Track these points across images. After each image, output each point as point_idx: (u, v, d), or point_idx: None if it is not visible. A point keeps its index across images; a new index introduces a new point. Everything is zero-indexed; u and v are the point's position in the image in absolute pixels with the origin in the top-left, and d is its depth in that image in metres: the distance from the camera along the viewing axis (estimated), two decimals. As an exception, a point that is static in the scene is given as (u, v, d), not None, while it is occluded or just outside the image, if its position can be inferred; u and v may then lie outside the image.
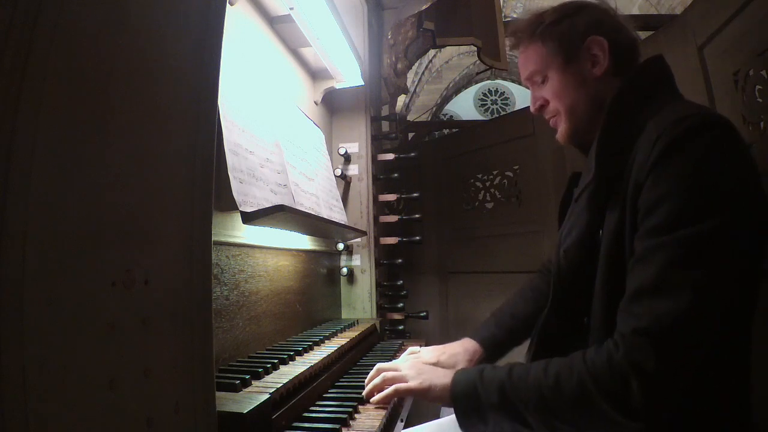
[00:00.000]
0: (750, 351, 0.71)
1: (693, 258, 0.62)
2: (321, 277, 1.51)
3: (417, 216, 1.82)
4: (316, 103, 1.62)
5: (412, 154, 1.93)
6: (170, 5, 0.48)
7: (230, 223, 0.95)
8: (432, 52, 6.70)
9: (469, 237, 2.38)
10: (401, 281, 1.81)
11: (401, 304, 1.78)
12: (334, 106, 1.79)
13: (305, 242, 1.38)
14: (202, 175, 0.52)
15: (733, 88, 1.09)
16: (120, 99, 0.41)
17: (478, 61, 2.49)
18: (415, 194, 1.86)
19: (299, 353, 0.99)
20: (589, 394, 0.64)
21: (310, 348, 1.05)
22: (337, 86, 1.62)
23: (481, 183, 2.37)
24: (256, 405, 0.63)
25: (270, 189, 0.99)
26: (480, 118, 7.96)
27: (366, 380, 0.93)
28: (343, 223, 1.47)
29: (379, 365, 0.94)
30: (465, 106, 8.44)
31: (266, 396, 0.67)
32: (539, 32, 0.87)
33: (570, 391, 0.66)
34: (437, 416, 1.26)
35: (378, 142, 1.89)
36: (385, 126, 2.51)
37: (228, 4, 0.91)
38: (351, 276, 1.70)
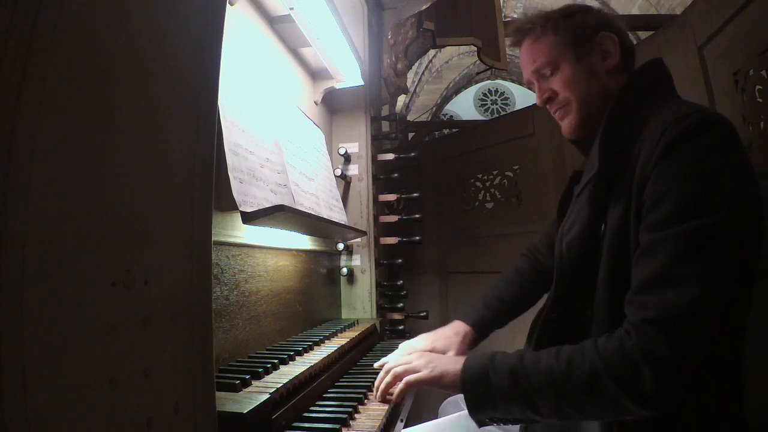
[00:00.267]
0: (743, 349, 0.73)
1: (698, 250, 0.64)
2: (321, 277, 1.51)
3: (417, 216, 1.82)
4: (316, 103, 1.62)
5: (412, 154, 1.93)
6: (170, 5, 0.48)
7: (230, 223, 0.95)
8: (432, 52, 6.70)
9: (469, 237, 2.38)
10: (401, 281, 1.81)
11: (401, 304, 1.78)
12: (334, 106, 1.79)
13: (305, 242, 1.38)
14: (202, 175, 0.52)
15: (733, 88, 1.09)
16: (120, 99, 0.41)
17: (478, 61, 2.49)
18: (415, 194, 1.86)
19: (299, 353, 0.99)
20: (601, 379, 0.66)
21: (310, 348, 1.05)
22: (337, 86, 1.62)
23: (481, 183, 2.37)
24: (256, 405, 0.63)
25: (270, 189, 0.99)
26: (480, 118, 7.96)
27: (376, 382, 0.93)
28: (343, 223, 1.47)
29: (387, 365, 0.94)
30: (465, 106, 8.44)
31: (266, 396, 0.67)
32: (551, 24, 0.89)
33: (582, 377, 0.67)
34: (436, 416, 1.26)
35: (378, 142, 1.89)
36: (385, 126, 2.51)
37: (228, 4, 0.92)
38: (351, 276, 1.70)
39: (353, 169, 1.74)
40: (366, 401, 0.93)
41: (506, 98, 8.46)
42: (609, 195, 0.77)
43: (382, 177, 1.85)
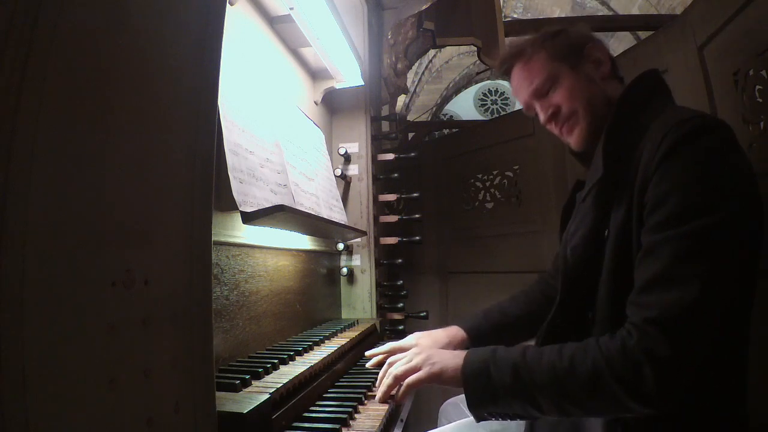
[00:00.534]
0: (747, 349, 0.73)
1: (699, 250, 0.65)
2: (321, 277, 1.51)
3: (417, 216, 1.82)
4: (316, 103, 1.62)
5: (412, 154, 1.93)
6: (170, 5, 0.48)
7: (230, 223, 0.95)
8: (432, 52, 6.70)
9: (469, 237, 2.38)
10: (401, 281, 1.81)
11: (401, 304, 1.78)
12: (334, 106, 1.79)
13: (305, 242, 1.38)
14: (202, 175, 0.52)
15: (733, 88, 1.09)
16: (120, 99, 0.41)
17: (478, 61, 2.49)
18: (415, 194, 1.86)
19: (299, 353, 0.99)
20: (603, 377, 0.66)
21: (310, 348, 1.05)
22: (337, 86, 1.62)
23: (481, 183, 2.36)
24: (256, 405, 0.63)
25: (270, 189, 1.00)
26: (480, 118, 7.96)
27: (378, 383, 0.92)
28: (343, 223, 1.47)
29: (388, 362, 0.93)
30: (465, 106, 8.44)
31: (266, 396, 0.67)
32: (540, 44, 0.92)
33: (584, 374, 0.68)
34: (436, 417, 1.26)
35: (378, 142, 1.89)
36: (385, 126, 2.51)
37: (228, 4, 0.92)
38: (351, 276, 1.70)
39: (353, 169, 1.74)
40: (366, 401, 0.93)
41: (506, 98, 8.46)
42: (612, 199, 0.78)
43: (382, 177, 1.85)
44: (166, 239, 0.46)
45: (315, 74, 1.61)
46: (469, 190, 2.40)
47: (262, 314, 1.06)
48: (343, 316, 1.68)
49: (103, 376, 0.37)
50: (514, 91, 0.98)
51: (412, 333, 1.54)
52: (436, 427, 1.09)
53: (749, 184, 0.70)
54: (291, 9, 1.20)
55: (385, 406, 0.89)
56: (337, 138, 1.78)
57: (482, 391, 0.76)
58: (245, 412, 0.61)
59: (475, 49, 2.35)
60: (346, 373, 1.12)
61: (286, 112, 1.27)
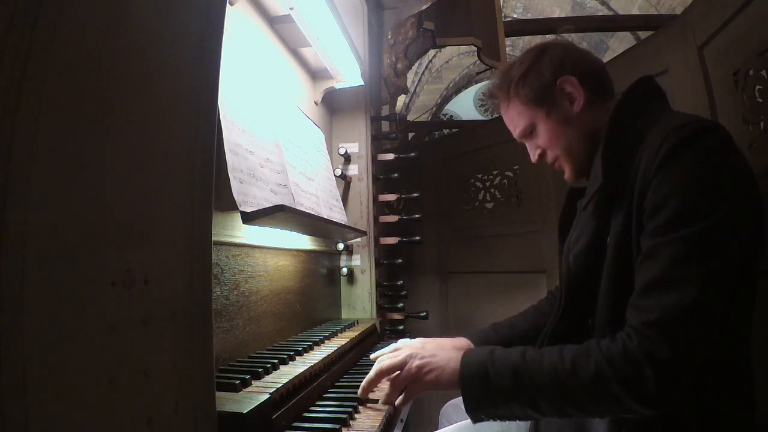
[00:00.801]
0: (749, 349, 0.73)
1: (698, 253, 0.65)
2: (321, 277, 1.51)
3: (417, 216, 1.82)
4: (316, 103, 1.62)
5: (412, 154, 1.93)
6: (170, 5, 0.48)
7: (230, 223, 0.95)
8: (432, 52, 6.70)
9: (469, 237, 2.38)
10: (401, 281, 1.81)
11: (401, 304, 1.78)
12: (334, 106, 1.79)
13: (305, 242, 1.38)
14: (202, 175, 0.52)
15: (733, 88, 1.09)
16: (120, 99, 0.41)
17: (478, 61, 2.49)
18: (415, 194, 1.86)
19: (299, 353, 0.99)
20: (606, 379, 0.66)
21: (310, 348, 1.05)
22: (337, 86, 1.62)
23: (481, 183, 2.36)
24: (256, 405, 0.63)
25: (270, 189, 0.99)
26: (480, 118, 7.96)
27: (365, 381, 0.89)
28: (343, 223, 1.47)
29: (378, 368, 0.88)
30: (465, 106, 8.44)
31: (266, 396, 0.67)
32: (513, 90, 0.92)
33: (587, 376, 0.68)
34: (437, 418, 1.26)
35: (378, 142, 1.89)
36: (385, 126, 2.51)
37: (228, 4, 0.92)
38: (351, 276, 1.70)
39: (353, 169, 1.74)
40: (366, 401, 0.93)
41: (506, 98, 8.45)
42: (612, 207, 0.78)
43: (382, 177, 1.85)
44: (166, 239, 0.46)
45: (315, 74, 1.61)
46: (469, 190, 2.40)
47: (262, 314, 1.06)
48: (343, 316, 1.68)
49: (103, 376, 0.37)
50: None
51: (411, 333, 1.52)
52: (437, 429, 1.09)
53: (749, 185, 0.70)
54: (291, 9, 1.20)
55: (385, 407, 0.89)
56: (337, 138, 1.78)
57: (480, 393, 0.75)
58: (245, 412, 0.61)
59: (475, 49, 2.34)
60: (346, 373, 1.12)
61: (286, 112, 1.27)
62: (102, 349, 0.37)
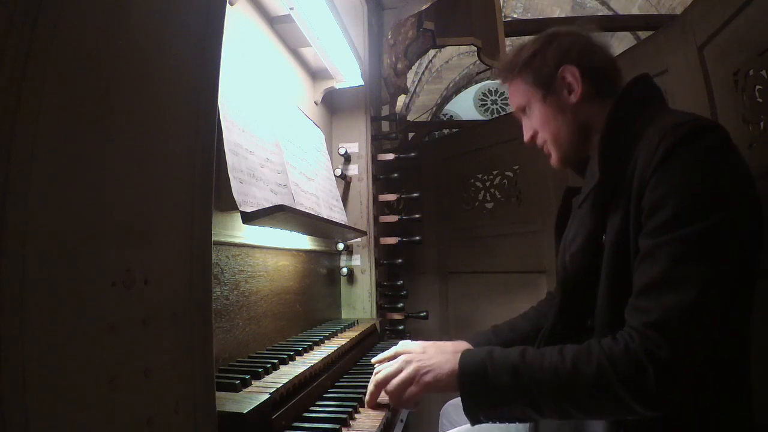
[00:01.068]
0: (748, 349, 0.73)
1: (697, 252, 0.65)
2: (321, 277, 1.51)
3: (417, 216, 1.82)
4: (316, 103, 1.62)
5: (412, 154, 1.93)
6: (170, 5, 0.48)
7: (230, 223, 0.95)
8: (432, 52, 6.70)
9: (469, 237, 2.38)
10: (401, 281, 1.81)
11: (401, 304, 1.78)
12: (334, 106, 1.79)
13: (305, 242, 1.38)
14: (202, 175, 0.52)
15: (733, 88, 1.09)
16: (120, 99, 0.41)
17: (478, 61, 2.49)
18: (415, 194, 1.86)
19: (299, 353, 0.99)
20: (608, 378, 0.66)
21: (310, 348, 1.05)
22: (337, 86, 1.62)
23: (481, 183, 2.36)
24: (256, 405, 0.63)
25: (270, 189, 0.99)
26: (480, 118, 7.95)
27: (367, 397, 0.88)
28: (343, 223, 1.47)
29: (376, 381, 0.86)
30: (465, 106, 8.44)
31: (266, 396, 0.67)
32: (517, 71, 0.94)
33: (589, 375, 0.67)
34: (437, 418, 1.26)
35: (378, 142, 1.89)
36: (385, 126, 2.51)
37: (228, 4, 0.92)
38: (351, 276, 1.70)
39: (353, 169, 1.74)
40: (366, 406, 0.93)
41: (506, 98, 8.42)
42: (609, 205, 0.78)
43: (382, 177, 1.85)
44: (166, 239, 0.46)
45: (315, 74, 1.61)
46: (469, 190, 2.40)
47: (262, 314, 1.06)
48: (343, 316, 1.68)
49: (103, 376, 0.37)
50: None
51: (411, 333, 1.52)
52: (437, 429, 1.09)
53: (748, 184, 0.70)
54: (291, 9, 1.20)
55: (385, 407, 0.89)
56: (337, 138, 1.78)
57: (479, 392, 0.74)
58: (245, 412, 0.61)
59: (475, 49, 2.34)
60: (346, 373, 1.12)
61: (286, 112, 1.27)
62: (102, 349, 0.37)
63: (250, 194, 0.90)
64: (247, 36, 1.18)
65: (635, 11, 4.96)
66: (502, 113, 7.98)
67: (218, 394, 0.58)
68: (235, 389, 0.72)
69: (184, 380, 0.47)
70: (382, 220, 1.83)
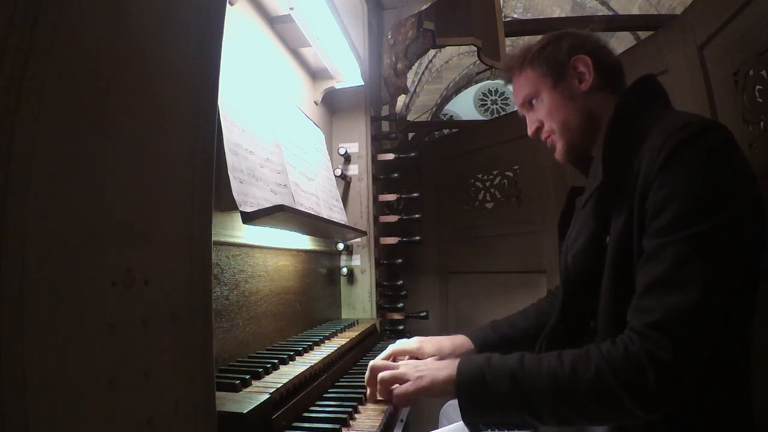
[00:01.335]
0: (750, 350, 0.72)
1: (701, 253, 0.65)
2: (321, 277, 1.51)
3: (417, 216, 1.82)
4: (316, 103, 1.62)
5: (412, 154, 1.93)
6: (170, 5, 0.48)
7: (230, 223, 0.95)
8: (432, 52, 6.69)
9: (469, 237, 2.38)
10: (401, 281, 1.81)
11: (401, 304, 1.78)
12: (334, 106, 1.79)
13: (305, 242, 1.38)
14: (202, 175, 0.52)
15: (733, 88, 1.09)
16: (120, 99, 0.41)
17: (478, 61, 2.49)
18: (415, 194, 1.86)
19: (299, 353, 0.99)
20: (607, 383, 0.65)
21: (310, 348, 1.05)
22: (337, 86, 1.62)
23: (481, 183, 2.36)
24: (256, 405, 0.63)
25: (270, 189, 0.99)
26: (480, 118, 7.95)
27: (365, 382, 0.90)
28: (343, 223, 1.47)
29: (371, 364, 0.90)
30: (465, 106, 8.43)
31: (266, 396, 0.67)
32: (528, 59, 0.95)
33: (588, 381, 0.67)
34: (437, 417, 1.26)
35: (378, 142, 1.89)
36: (385, 126, 2.51)
37: (228, 4, 0.92)
38: (351, 276, 1.70)
39: (353, 169, 1.74)
40: (366, 401, 0.93)
41: (506, 98, 8.45)
42: (612, 206, 0.78)
43: (382, 177, 1.85)
44: (166, 239, 0.46)
45: (315, 74, 1.61)
46: (469, 190, 2.40)
47: (262, 314, 1.06)
48: (343, 316, 1.68)
49: (103, 376, 0.37)
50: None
51: (411, 333, 1.52)
52: (437, 428, 1.09)
53: (752, 185, 0.70)
54: (291, 9, 1.20)
55: (385, 406, 0.89)
56: (337, 138, 1.78)
57: (477, 399, 0.73)
58: (245, 412, 0.61)
59: (475, 49, 2.34)
60: (346, 373, 1.12)
61: (286, 112, 1.27)
62: (102, 349, 0.37)
63: (250, 194, 0.90)
64: (247, 36, 1.18)
65: (635, 11, 4.96)
66: (502, 113, 7.99)
67: (218, 394, 0.58)
68: (235, 389, 0.72)
69: (184, 380, 0.47)
70: (382, 220, 1.83)
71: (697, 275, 0.64)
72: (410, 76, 6.72)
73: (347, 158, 1.73)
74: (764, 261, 0.72)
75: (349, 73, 1.59)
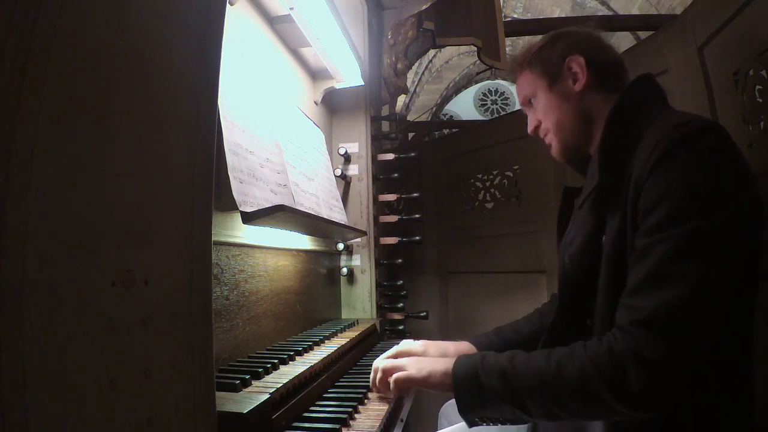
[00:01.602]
0: (752, 350, 0.72)
1: (690, 250, 0.64)
2: (321, 277, 1.51)
3: (417, 216, 1.82)
4: (316, 103, 1.62)
5: (412, 154, 1.93)
6: (170, 5, 0.48)
7: (230, 223, 0.95)
8: (432, 52, 6.70)
9: (469, 237, 2.38)
10: (401, 281, 1.81)
11: (401, 304, 1.78)
12: (334, 106, 1.79)
13: (305, 242, 1.38)
14: (202, 175, 0.52)
15: (733, 88, 1.09)
16: (120, 99, 0.41)
17: (478, 61, 2.49)
18: (415, 194, 1.86)
19: (299, 353, 0.99)
20: (590, 381, 0.66)
21: (310, 348, 1.05)
22: (337, 86, 1.62)
23: (481, 183, 2.36)
24: (256, 405, 0.63)
25: (270, 189, 0.99)
26: (480, 118, 7.96)
27: (370, 382, 0.94)
28: (343, 223, 1.47)
29: (375, 364, 0.94)
30: (465, 106, 8.44)
31: (266, 396, 0.67)
32: (527, 62, 0.97)
33: (571, 378, 0.68)
34: (437, 417, 1.26)
35: (378, 142, 1.89)
36: (385, 126, 2.51)
37: (228, 4, 0.92)
38: (351, 276, 1.70)
39: (353, 169, 1.74)
40: (366, 401, 0.93)
41: (506, 98, 8.46)
42: (609, 206, 0.78)
43: (382, 177, 1.85)
44: (166, 239, 0.46)
45: (315, 74, 1.61)
46: (469, 190, 2.41)
47: (262, 314, 1.06)
48: (343, 316, 1.68)
49: (103, 376, 0.37)
50: None
51: (411, 333, 1.52)
52: (437, 428, 1.09)
53: (750, 184, 0.70)
54: (291, 9, 1.20)
55: (386, 406, 0.89)
56: (337, 138, 1.78)
57: (471, 395, 0.76)
58: (245, 412, 0.61)
59: (475, 49, 2.34)
60: (346, 373, 1.12)
61: (286, 112, 1.27)
62: (102, 349, 0.37)
63: (250, 194, 0.90)
64: (247, 36, 1.18)
65: (635, 11, 4.96)
66: (502, 113, 7.99)
67: (218, 394, 0.58)
68: (235, 389, 0.72)
69: (184, 380, 0.47)
70: (382, 220, 1.83)
71: (689, 272, 0.63)
72: (410, 76, 6.72)
73: (347, 158, 1.73)
74: (764, 261, 0.71)
75: (349, 73, 1.59)
